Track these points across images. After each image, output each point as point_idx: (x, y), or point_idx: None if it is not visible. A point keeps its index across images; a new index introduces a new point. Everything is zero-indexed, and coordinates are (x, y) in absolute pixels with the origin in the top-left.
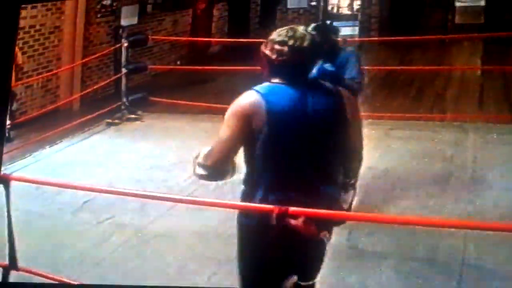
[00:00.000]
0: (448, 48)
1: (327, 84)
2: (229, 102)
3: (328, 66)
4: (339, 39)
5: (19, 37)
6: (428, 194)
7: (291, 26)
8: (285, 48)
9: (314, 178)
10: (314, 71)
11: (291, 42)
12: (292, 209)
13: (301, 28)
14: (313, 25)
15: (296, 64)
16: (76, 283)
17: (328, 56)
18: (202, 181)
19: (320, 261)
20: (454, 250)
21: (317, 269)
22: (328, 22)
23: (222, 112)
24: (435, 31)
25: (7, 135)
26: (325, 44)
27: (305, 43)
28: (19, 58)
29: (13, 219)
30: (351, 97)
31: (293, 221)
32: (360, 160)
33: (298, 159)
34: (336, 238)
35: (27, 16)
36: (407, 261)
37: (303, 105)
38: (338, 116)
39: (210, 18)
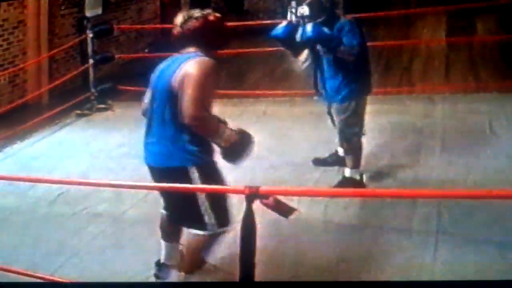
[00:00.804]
0: (413, 22)
1: (192, 55)
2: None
3: (324, 29)
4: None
5: None
6: (401, 165)
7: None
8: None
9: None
10: (310, 31)
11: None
12: (263, 188)
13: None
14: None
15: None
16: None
17: (326, 25)
18: None
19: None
20: (429, 218)
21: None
22: None
23: None
24: (398, 7)
25: None
26: (321, 16)
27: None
28: None
29: None
30: (196, 68)
31: (264, 201)
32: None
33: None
34: (312, 213)
35: None
36: (383, 231)
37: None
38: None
39: (178, 4)
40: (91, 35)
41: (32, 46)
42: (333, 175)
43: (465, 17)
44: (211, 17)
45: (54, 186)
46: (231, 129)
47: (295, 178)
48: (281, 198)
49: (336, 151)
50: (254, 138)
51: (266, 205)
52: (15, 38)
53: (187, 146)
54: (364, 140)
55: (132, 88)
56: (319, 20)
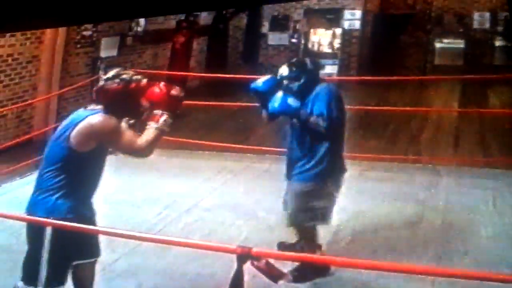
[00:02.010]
0: (426, 88)
1: (91, 112)
2: (204, 138)
3: (291, 101)
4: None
5: None
6: (398, 237)
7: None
8: None
9: None
10: (276, 104)
11: None
12: (255, 250)
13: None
14: (292, 60)
15: None
16: None
17: (303, 90)
18: (171, 219)
19: None
20: None
21: None
22: (309, 58)
23: (198, 148)
24: (414, 71)
25: None
26: (299, 79)
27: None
28: None
29: None
30: (88, 126)
31: (256, 263)
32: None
33: None
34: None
35: (5, 44)
36: None
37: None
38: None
39: (189, 52)
40: (103, 77)
41: (44, 82)
42: (327, 241)
43: (479, 87)
44: (132, 85)
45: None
46: (157, 120)
47: (290, 240)
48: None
49: None
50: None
51: (257, 267)
52: (27, 73)
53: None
54: (364, 206)
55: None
56: (298, 83)
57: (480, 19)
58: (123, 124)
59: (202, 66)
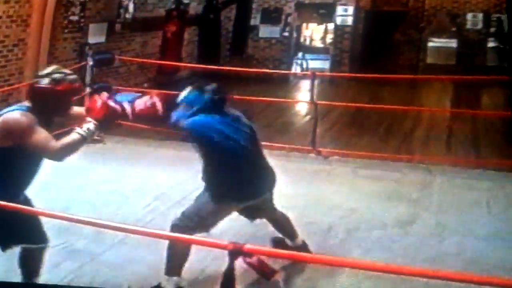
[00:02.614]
0: (418, 87)
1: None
2: None
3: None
4: None
5: None
6: (391, 237)
7: None
8: None
9: None
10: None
11: None
12: (248, 246)
13: None
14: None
15: None
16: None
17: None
18: (160, 211)
19: None
20: None
21: None
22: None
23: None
24: (406, 69)
25: None
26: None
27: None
28: None
29: None
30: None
31: (247, 259)
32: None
33: None
34: (293, 279)
35: None
36: None
37: None
38: None
39: (181, 41)
40: (91, 63)
41: (30, 66)
42: (320, 238)
43: (472, 88)
44: (61, 86)
45: None
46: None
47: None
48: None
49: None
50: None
51: (249, 264)
52: (13, 56)
53: None
54: (357, 204)
55: (127, 123)
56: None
57: (473, 19)
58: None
59: (193, 56)
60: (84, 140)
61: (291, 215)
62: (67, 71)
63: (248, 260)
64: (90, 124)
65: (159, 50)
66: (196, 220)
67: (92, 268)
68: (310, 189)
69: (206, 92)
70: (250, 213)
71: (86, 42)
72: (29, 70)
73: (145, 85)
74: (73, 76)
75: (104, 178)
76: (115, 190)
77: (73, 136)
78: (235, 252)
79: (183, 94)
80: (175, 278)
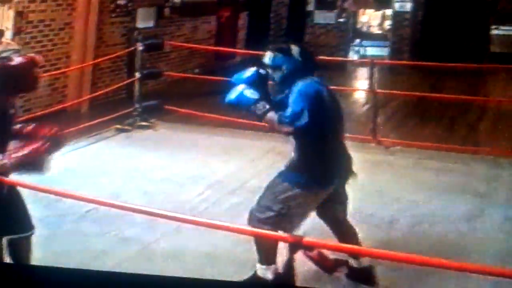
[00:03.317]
0: (484, 77)
1: None
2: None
3: (249, 92)
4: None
5: (27, 31)
6: (457, 232)
7: None
8: None
9: None
10: (232, 95)
11: None
12: (307, 239)
13: None
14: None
15: None
16: None
17: (285, 82)
18: (215, 200)
19: None
20: None
21: None
22: (300, 46)
23: (242, 126)
24: (470, 58)
25: None
26: (281, 68)
27: None
28: None
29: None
30: None
31: (308, 253)
32: None
33: None
34: None
35: (36, 10)
36: None
37: None
38: None
39: (235, 27)
40: (140, 48)
41: (77, 50)
42: (382, 232)
43: None
44: (13, 62)
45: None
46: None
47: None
48: None
49: None
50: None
51: (310, 257)
52: (60, 40)
53: None
54: (420, 197)
55: (179, 109)
56: (278, 73)
57: None
58: None
59: (242, 42)
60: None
61: (351, 207)
62: (13, 47)
63: (308, 253)
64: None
65: (213, 36)
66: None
67: (144, 256)
68: (371, 181)
69: (296, 53)
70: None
71: (134, 26)
72: (76, 55)
73: (196, 70)
74: (22, 50)
75: (155, 165)
76: (167, 177)
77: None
78: (295, 245)
79: (268, 56)
80: (272, 266)
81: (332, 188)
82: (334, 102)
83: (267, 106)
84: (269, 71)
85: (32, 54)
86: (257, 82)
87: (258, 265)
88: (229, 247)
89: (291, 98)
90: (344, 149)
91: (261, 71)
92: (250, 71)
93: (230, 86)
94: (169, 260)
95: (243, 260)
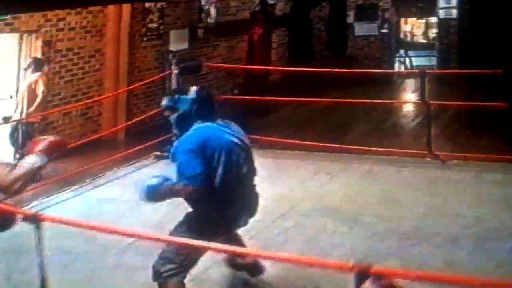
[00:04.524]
0: None
1: None
2: (294, 136)
3: (149, 180)
4: None
5: (56, 60)
6: None
7: None
8: None
9: None
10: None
11: None
12: (376, 268)
13: None
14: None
15: None
16: None
17: (179, 129)
18: (265, 225)
19: None
20: None
21: None
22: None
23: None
24: None
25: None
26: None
27: None
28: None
29: (48, 260)
30: None
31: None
32: None
33: None
34: None
35: (64, 38)
36: None
37: None
38: None
39: (269, 44)
40: (176, 71)
41: (110, 77)
42: (446, 251)
43: None
44: None
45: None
46: None
47: (402, 251)
48: None
49: None
50: None
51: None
52: (91, 68)
53: None
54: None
55: None
56: (173, 116)
57: None
58: None
59: (283, 59)
60: (33, 172)
61: (408, 225)
62: None
63: (377, 284)
64: (34, 156)
65: (245, 55)
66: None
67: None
68: (429, 197)
69: (190, 94)
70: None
71: (167, 49)
72: (109, 82)
73: (235, 91)
74: None
75: None
76: None
77: (22, 169)
78: (362, 274)
79: (165, 97)
80: None
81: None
82: (235, 145)
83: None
84: (169, 113)
85: None
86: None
87: None
88: (286, 277)
89: (178, 158)
90: (248, 190)
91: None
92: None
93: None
94: None
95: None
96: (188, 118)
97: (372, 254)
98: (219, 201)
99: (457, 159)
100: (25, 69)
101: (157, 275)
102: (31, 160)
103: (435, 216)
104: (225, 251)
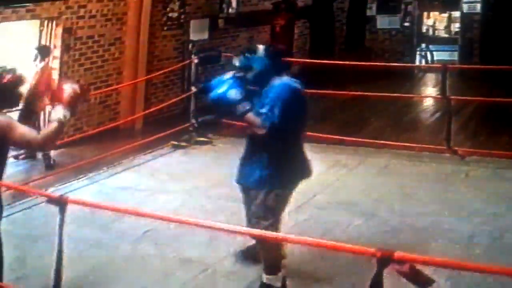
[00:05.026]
0: None
1: None
2: (313, 129)
3: (233, 92)
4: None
5: (76, 47)
6: None
7: None
8: None
9: None
10: (218, 91)
11: None
12: (398, 253)
13: None
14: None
15: None
16: None
17: (258, 82)
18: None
19: None
20: None
21: None
22: (266, 46)
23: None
24: None
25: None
26: (251, 69)
27: None
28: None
29: (64, 247)
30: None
31: (399, 268)
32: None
33: None
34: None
35: (85, 26)
36: None
37: None
38: None
39: (291, 35)
40: (196, 61)
41: (129, 66)
42: (462, 247)
43: None
44: (4, 79)
45: (141, 222)
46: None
47: (417, 246)
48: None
49: None
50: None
51: (401, 272)
52: (110, 56)
53: None
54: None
55: (237, 123)
56: (250, 74)
57: None
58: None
59: (304, 51)
60: (63, 125)
61: (425, 220)
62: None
63: (400, 268)
64: (61, 110)
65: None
66: (271, 217)
67: (207, 278)
68: (447, 193)
69: (263, 53)
70: None
71: (188, 39)
72: (128, 70)
73: None
74: (12, 67)
75: (215, 181)
76: (228, 194)
77: (53, 124)
78: (385, 259)
79: (238, 58)
80: (279, 274)
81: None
82: (306, 102)
83: (247, 107)
84: (242, 73)
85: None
86: (237, 84)
87: (265, 276)
88: (297, 263)
89: (269, 98)
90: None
91: (238, 74)
92: (228, 75)
93: (207, 89)
94: (235, 280)
95: (310, 275)
96: (265, 75)
97: (387, 248)
98: (296, 149)
99: (476, 155)
100: (34, 59)
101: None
102: (59, 114)
103: (451, 212)
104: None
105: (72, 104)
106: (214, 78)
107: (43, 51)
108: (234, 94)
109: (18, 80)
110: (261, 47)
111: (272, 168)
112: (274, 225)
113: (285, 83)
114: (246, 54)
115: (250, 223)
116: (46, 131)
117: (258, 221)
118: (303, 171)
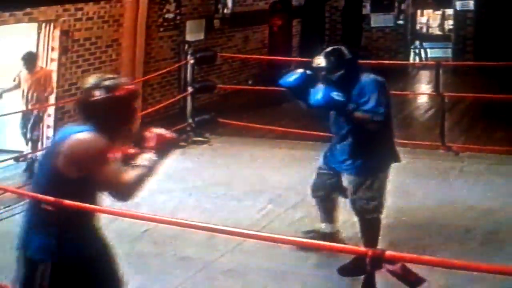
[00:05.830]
0: None
1: (80, 128)
2: (309, 127)
3: (335, 94)
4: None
5: (73, 49)
6: None
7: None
8: None
9: None
10: (319, 97)
11: None
12: (389, 253)
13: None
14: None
15: None
16: None
17: (344, 82)
18: (276, 215)
19: None
20: None
21: None
22: (344, 47)
23: (302, 138)
24: None
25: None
26: (339, 69)
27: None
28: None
29: None
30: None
31: (389, 267)
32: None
33: None
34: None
35: (82, 28)
36: None
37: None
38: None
39: (289, 35)
40: (192, 61)
41: (126, 67)
42: (457, 242)
43: None
44: (120, 92)
45: (140, 221)
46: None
47: (413, 242)
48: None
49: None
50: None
51: (392, 272)
52: (107, 58)
53: None
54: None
55: (234, 122)
56: (336, 74)
57: None
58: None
59: (297, 50)
60: (151, 173)
61: (422, 216)
62: (113, 75)
63: (391, 267)
64: (150, 154)
65: (266, 45)
66: (378, 197)
67: (206, 276)
68: (441, 189)
69: (347, 54)
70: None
71: (183, 40)
72: (125, 71)
73: (250, 82)
74: (124, 79)
75: (213, 180)
76: (226, 193)
77: (141, 169)
78: (376, 259)
79: (323, 60)
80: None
81: None
82: None
83: (352, 105)
84: (322, 73)
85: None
86: (312, 82)
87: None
88: (294, 263)
89: (368, 94)
90: None
91: (309, 72)
92: (297, 73)
93: (286, 87)
94: (231, 278)
95: (310, 275)
96: (354, 74)
97: (383, 244)
98: (391, 135)
99: (470, 151)
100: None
101: (367, 212)
102: (149, 158)
103: (446, 207)
104: None
105: (161, 148)
106: (287, 79)
107: (30, 58)
108: (337, 95)
109: (137, 93)
110: (343, 48)
111: (376, 155)
112: (381, 203)
113: (375, 78)
114: (332, 55)
115: (352, 204)
116: (133, 176)
117: (367, 202)
118: (396, 155)
